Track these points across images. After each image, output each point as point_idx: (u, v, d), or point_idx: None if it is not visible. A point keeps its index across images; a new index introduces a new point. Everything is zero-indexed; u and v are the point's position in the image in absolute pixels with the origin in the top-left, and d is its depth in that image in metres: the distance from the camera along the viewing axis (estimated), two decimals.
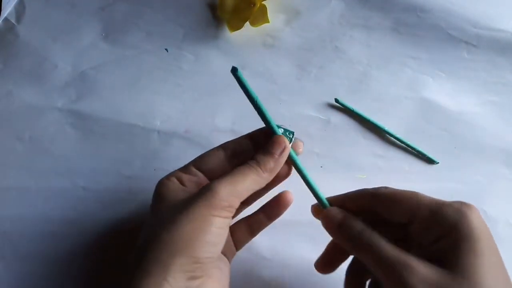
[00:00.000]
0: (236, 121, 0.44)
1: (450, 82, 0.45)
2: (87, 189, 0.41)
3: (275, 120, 0.33)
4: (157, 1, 0.51)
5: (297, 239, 0.39)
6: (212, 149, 0.33)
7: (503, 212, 0.39)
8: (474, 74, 0.45)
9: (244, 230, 0.36)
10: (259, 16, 0.47)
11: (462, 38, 0.46)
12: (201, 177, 0.32)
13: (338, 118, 0.43)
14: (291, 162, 0.33)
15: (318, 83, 0.45)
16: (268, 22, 0.47)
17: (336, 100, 0.43)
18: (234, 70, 0.31)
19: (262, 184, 0.31)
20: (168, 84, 0.46)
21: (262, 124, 0.43)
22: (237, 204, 0.29)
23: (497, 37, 0.46)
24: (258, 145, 0.33)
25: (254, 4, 0.47)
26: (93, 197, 0.41)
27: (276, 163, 0.31)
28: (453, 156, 0.42)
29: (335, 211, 0.31)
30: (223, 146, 0.33)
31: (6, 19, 0.50)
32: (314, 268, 0.34)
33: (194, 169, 0.32)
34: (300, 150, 0.34)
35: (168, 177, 0.32)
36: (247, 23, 0.48)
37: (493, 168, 0.40)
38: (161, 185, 0.32)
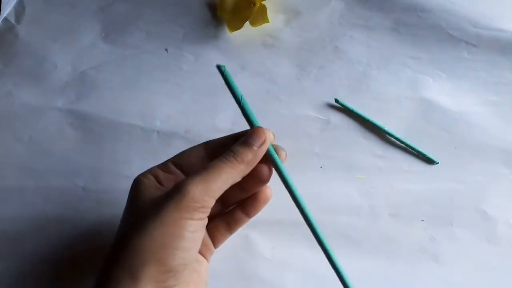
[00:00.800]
0: (236, 121, 0.44)
1: (450, 82, 0.45)
2: (86, 189, 0.41)
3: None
4: (157, 1, 0.51)
5: (297, 239, 0.39)
6: (193, 146, 0.32)
7: (503, 212, 0.39)
8: (474, 74, 0.45)
9: (221, 228, 0.34)
10: (259, 16, 0.47)
11: (462, 38, 0.46)
12: (179, 175, 0.30)
13: (338, 118, 0.43)
14: (271, 162, 0.31)
15: (318, 83, 0.45)
16: (268, 22, 0.47)
17: (336, 100, 0.43)
18: (219, 68, 0.31)
19: (238, 177, 0.29)
20: (168, 84, 0.46)
21: (261, 124, 0.43)
22: (211, 203, 0.27)
23: (498, 37, 0.46)
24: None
25: (254, 4, 0.47)
26: (93, 197, 0.41)
27: (255, 155, 0.29)
28: (453, 156, 0.42)
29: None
30: (205, 144, 0.32)
31: (5, 19, 0.50)
32: None
33: (172, 166, 0.31)
34: (283, 157, 0.33)
35: (144, 174, 0.30)
36: (247, 23, 0.48)
37: (493, 168, 0.40)
38: (137, 182, 0.30)
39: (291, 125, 0.43)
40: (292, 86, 0.45)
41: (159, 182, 0.30)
